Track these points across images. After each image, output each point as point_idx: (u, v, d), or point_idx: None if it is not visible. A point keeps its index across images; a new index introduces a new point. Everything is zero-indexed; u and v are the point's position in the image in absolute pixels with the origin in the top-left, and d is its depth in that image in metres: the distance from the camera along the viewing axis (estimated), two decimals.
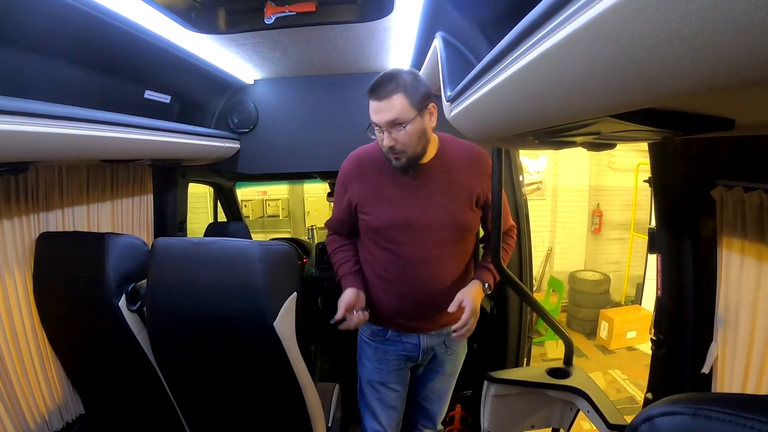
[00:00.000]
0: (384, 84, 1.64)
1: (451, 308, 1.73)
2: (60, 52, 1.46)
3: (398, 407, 2.15)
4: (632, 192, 6.86)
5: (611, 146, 1.11)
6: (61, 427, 1.92)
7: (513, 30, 0.64)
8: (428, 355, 2.04)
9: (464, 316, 1.72)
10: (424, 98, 1.68)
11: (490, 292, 1.85)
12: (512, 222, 2.07)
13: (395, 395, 2.11)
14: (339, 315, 1.77)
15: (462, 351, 2.14)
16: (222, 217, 4.20)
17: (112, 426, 2.07)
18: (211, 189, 4.07)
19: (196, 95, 2.52)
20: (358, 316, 1.80)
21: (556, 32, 0.51)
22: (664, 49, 0.37)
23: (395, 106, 1.63)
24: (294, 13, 1.72)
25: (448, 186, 1.83)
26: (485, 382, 1.77)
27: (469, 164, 1.87)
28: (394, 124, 1.65)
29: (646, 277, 6.41)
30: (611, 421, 1.47)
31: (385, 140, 1.67)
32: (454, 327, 1.74)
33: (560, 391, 1.71)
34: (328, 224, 2.08)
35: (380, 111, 1.65)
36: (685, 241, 1.47)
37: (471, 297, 1.75)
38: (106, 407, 2.05)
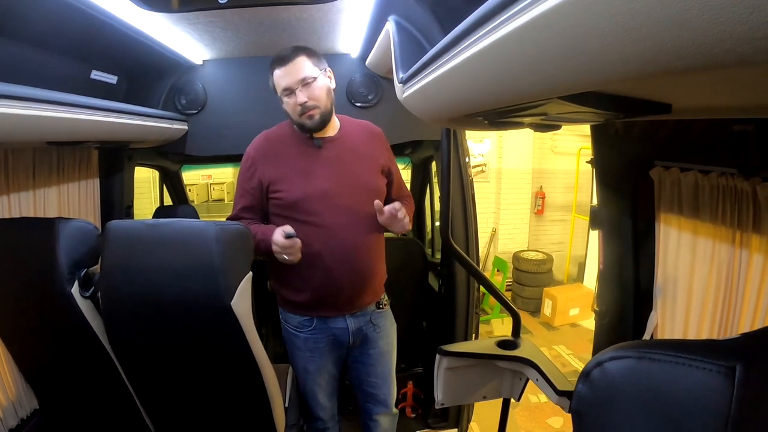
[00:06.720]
0: (286, 53, 1.79)
1: (379, 212, 1.86)
2: (6, 28, 1.39)
3: (337, 389, 2.22)
4: (574, 175, 7.08)
5: (557, 127, 1.17)
6: (17, 423, 1.85)
7: (471, 16, 0.67)
8: (358, 336, 2.07)
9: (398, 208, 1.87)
10: (322, 62, 1.86)
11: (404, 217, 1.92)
12: (408, 191, 2.27)
13: (332, 379, 2.16)
14: (289, 235, 1.73)
15: (391, 327, 2.18)
16: (168, 202, 4.11)
17: (68, 418, 2.02)
18: (156, 174, 3.97)
19: (144, 76, 2.45)
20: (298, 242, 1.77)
21: (512, 20, 0.54)
22: (612, 39, 0.42)
23: (302, 65, 1.78)
24: None
25: (356, 155, 1.95)
26: (437, 356, 1.81)
27: (371, 138, 2.03)
28: (305, 82, 1.78)
29: (587, 257, 6.65)
30: (560, 387, 1.52)
31: (298, 97, 1.78)
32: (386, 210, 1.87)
33: (510, 362, 1.76)
34: (232, 217, 2.04)
35: (289, 73, 1.78)
36: (625, 217, 1.55)
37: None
38: (61, 400, 2.00)
